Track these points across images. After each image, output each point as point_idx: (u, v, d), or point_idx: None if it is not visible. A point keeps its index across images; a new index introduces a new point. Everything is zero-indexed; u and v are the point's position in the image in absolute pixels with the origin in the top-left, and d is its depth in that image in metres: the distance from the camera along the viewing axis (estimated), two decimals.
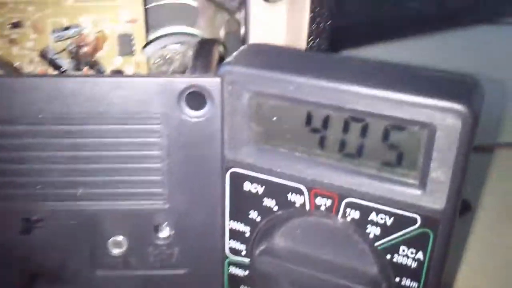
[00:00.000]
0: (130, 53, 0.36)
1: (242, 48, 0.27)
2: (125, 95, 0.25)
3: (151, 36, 0.38)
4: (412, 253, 0.24)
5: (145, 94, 0.25)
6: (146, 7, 0.36)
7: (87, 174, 0.26)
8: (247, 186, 0.26)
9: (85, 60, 0.36)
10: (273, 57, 0.25)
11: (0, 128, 0.25)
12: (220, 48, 0.35)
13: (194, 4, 0.38)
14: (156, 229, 0.28)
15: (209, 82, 0.25)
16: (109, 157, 0.26)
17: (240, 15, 0.39)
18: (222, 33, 0.39)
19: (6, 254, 0.27)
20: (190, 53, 0.38)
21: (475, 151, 0.23)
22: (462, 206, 0.46)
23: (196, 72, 0.27)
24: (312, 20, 0.32)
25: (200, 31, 0.38)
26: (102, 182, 0.26)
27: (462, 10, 0.86)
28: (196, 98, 0.25)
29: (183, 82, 0.24)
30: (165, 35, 0.38)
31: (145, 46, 0.37)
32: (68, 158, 0.25)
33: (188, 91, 0.25)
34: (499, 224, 0.45)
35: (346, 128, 0.23)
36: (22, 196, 0.26)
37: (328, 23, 0.33)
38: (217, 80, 0.24)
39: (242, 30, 0.39)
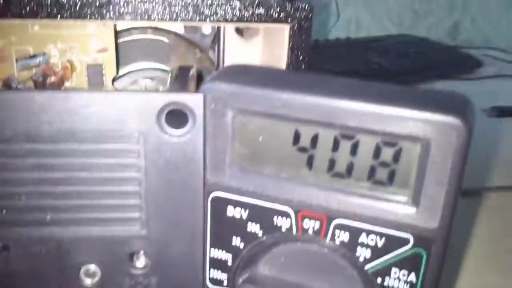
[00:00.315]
0: (100, 84, 0.35)
1: (223, 67, 0.26)
2: (100, 112, 0.23)
3: (122, 71, 0.37)
4: (404, 275, 0.23)
5: (122, 110, 0.23)
6: (118, 41, 0.36)
7: (57, 198, 0.24)
8: (230, 210, 0.25)
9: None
10: (256, 75, 0.25)
11: None
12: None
13: (166, 40, 0.38)
14: (132, 257, 0.26)
15: (191, 99, 0.24)
16: (81, 179, 0.24)
17: (212, 53, 0.39)
18: (193, 69, 0.39)
19: None
20: (161, 88, 0.37)
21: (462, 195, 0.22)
22: None
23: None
24: (291, 52, 0.32)
25: (171, 68, 0.38)
26: (74, 206, 0.24)
27: (422, 67, 0.92)
28: (177, 116, 0.24)
29: (163, 98, 0.23)
30: (136, 70, 0.38)
31: (114, 80, 0.36)
32: (37, 180, 0.24)
33: (169, 109, 0.24)
34: (486, 269, 0.46)
35: (335, 146, 0.23)
36: None
37: (307, 55, 0.33)
38: (200, 96, 0.24)
39: (215, 67, 0.39)
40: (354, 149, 0.23)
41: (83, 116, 0.23)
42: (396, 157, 0.22)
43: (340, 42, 0.96)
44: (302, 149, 0.24)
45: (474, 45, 1.11)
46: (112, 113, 0.23)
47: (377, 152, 0.22)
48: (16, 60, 0.33)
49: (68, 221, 0.25)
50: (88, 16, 0.29)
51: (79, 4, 0.29)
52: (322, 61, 0.85)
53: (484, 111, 0.80)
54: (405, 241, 0.23)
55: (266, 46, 0.36)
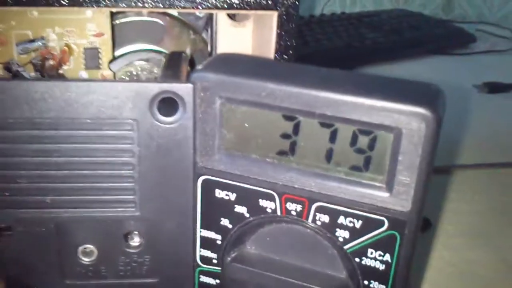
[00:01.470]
0: (97, 67, 0.36)
1: (212, 57, 0.28)
2: (97, 100, 0.25)
3: (118, 52, 0.38)
4: (380, 255, 0.25)
5: (117, 99, 0.25)
6: (114, 23, 0.37)
7: (56, 181, 0.26)
8: (219, 193, 0.27)
9: (50, 74, 0.35)
10: (243, 65, 0.26)
11: None
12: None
13: (161, 22, 0.38)
14: (127, 237, 0.27)
15: (181, 88, 0.25)
16: (79, 163, 0.25)
17: (206, 34, 0.40)
18: (188, 51, 0.40)
19: None
20: (156, 70, 0.38)
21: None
22: (423, 223, 0.47)
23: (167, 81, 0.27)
24: (279, 37, 0.33)
25: (166, 49, 0.39)
26: (72, 189, 0.26)
27: (415, 42, 0.92)
28: (168, 104, 0.25)
29: (155, 87, 0.25)
30: (132, 52, 0.38)
31: (111, 61, 0.37)
32: (37, 164, 0.25)
33: (161, 97, 0.25)
34: (457, 240, 0.47)
35: (316, 133, 0.24)
36: None
37: (294, 40, 0.34)
38: (189, 86, 0.25)
39: (209, 48, 0.40)
40: (333, 137, 0.24)
41: (81, 104, 0.25)
42: (371, 145, 0.23)
43: (335, 17, 0.95)
44: (286, 136, 0.25)
45: (467, 20, 1.11)
46: (108, 101, 0.25)
47: (354, 140, 0.24)
48: (16, 44, 0.34)
49: (67, 203, 0.26)
50: (85, 4, 0.30)
51: None
52: (317, 36, 0.85)
53: (475, 87, 0.80)
54: (381, 224, 0.24)
55: (256, 29, 0.37)
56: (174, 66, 0.29)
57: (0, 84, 0.24)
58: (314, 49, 0.81)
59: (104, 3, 0.30)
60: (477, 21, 1.11)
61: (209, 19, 0.39)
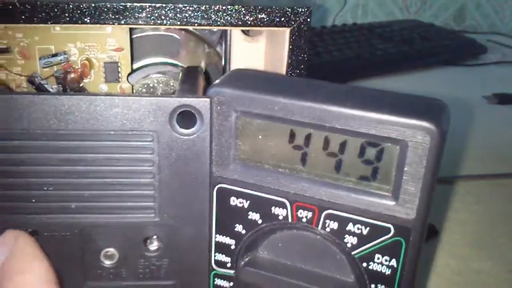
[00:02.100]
0: (116, 80, 0.38)
1: (228, 72, 0.29)
2: (120, 113, 0.26)
3: (135, 65, 0.39)
4: (386, 260, 0.26)
5: (138, 112, 0.26)
6: (132, 37, 0.38)
7: (81, 188, 0.27)
8: (234, 201, 0.28)
9: (71, 86, 0.37)
10: (257, 80, 0.28)
11: None
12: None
13: (177, 36, 0.40)
14: (146, 241, 0.29)
15: (199, 102, 0.26)
16: (102, 172, 0.27)
17: (220, 48, 0.42)
18: (203, 65, 0.41)
19: None
20: (172, 82, 0.40)
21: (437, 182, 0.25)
22: (430, 231, 0.49)
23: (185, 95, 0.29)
24: (291, 52, 0.35)
25: (181, 62, 0.40)
26: (96, 196, 0.27)
27: (426, 53, 0.93)
28: (186, 117, 0.27)
29: (175, 102, 0.26)
30: (149, 65, 0.40)
31: (129, 74, 0.39)
32: (64, 173, 0.27)
33: (179, 111, 0.26)
34: (463, 250, 0.48)
35: (326, 145, 0.26)
36: (18, 208, 0.27)
37: (306, 55, 0.35)
38: (207, 100, 0.26)
39: (222, 62, 0.41)
40: (342, 148, 0.25)
41: (105, 117, 0.26)
42: (379, 156, 0.25)
43: (346, 28, 0.97)
44: (297, 147, 0.26)
45: (479, 31, 1.11)
46: (130, 114, 0.26)
47: (362, 151, 0.25)
48: (40, 58, 0.36)
49: (90, 209, 0.27)
50: (106, 21, 0.32)
51: (98, 11, 0.31)
52: (328, 47, 0.87)
53: (485, 97, 0.81)
54: (387, 230, 0.25)
55: (269, 44, 0.39)
56: (191, 80, 0.31)
57: (31, 98, 0.26)
58: (325, 59, 0.82)
59: (124, 21, 0.32)
60: (489, 32, 1.12)
61: (223, 34, 0.40)
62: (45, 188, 0.27)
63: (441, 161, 0.24)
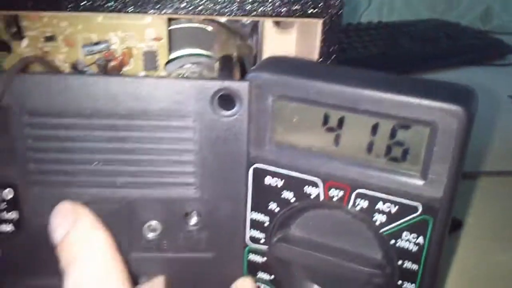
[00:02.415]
0: (154, 68, 0.40)
1: (265, 59, 0.31)
2: (165, 95, 0.28)
3: (171, 56, 0.41)
4: (413, 238, 0.27)
5: (182, 94, 0.28)
6: (169, 29, 0.40)
7: (127, 164, 0.29)
8: (268, 180, 0.29)
9: (112, 74, 0.39)
10: (293, 66, 0.29)
11: (53, 120, 0.28)
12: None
13: (210, 28, 0.42)
14: (187, 216, 0.31)
15: (239, 86, 0.28)
16: (147, 150, 0.29)
17: (251, 41, 0.43)
18: (234, 56, 0.43)
19: None
20: (205, 73, 0.42)
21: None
22: (455, 223, 0.50)
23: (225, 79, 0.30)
24: (323, 43, 0.36)
25: (214, 54, 0.42)
26: (141, 172, 0.29)
27: (452, 53, 0.92)
28: (226, 100, 0.28)
29: (216, 84, 0.28)
30: (184, 56, 0.42)
31: (166, 63, 0.40)
32: (112, 150, 0.28)
33: (220, 93, 0.28)
34: (484, 243, 0.49)
35: (358, 127, 0.27)
36: (70, 183, 0.29)
37: (337, 46, 0.36)
38: (246, 84, 0.28)
39: (254, 54, 0.43)
40: (374, 130, 0.27)
41: (151, 98, 0.28)
42: (409, 138, 0.26)
43: (372, 26, 0.97)
44: (330, 129, 0.28)
45: (505, 31, 1.11)
46: (175, 96, 0.28)
47: (393, 133, 0.26)
48: (82, 46, 0.38)
49: (135, 184, 0.29)
50: (147, 11, 0.33)
51: (140, 1, 0.33)
52: (354, 44, 0.87)
53: (511, 97, 0.81)
54: (415, 209, 0.27)
55: (300, 36, 0.40)
56: (228, 67, 0.33)
57: (84, 79, 0.27)
58: (351, 56, 0.83)
59: (164, 11, 0.34)
60: None
61: (255, 26, 0.42)
62: (94, 164, 0.29)
63: (469, 143, 0.25)
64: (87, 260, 0.26)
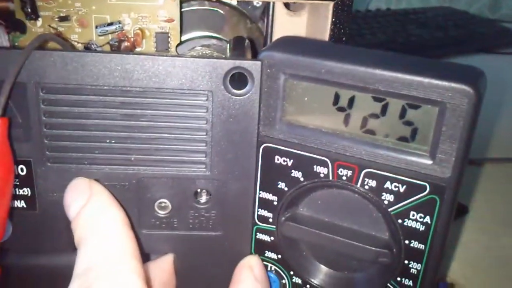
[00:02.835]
0: (166, 49, 0.40)
1: (277, 38, 0.31)
2: (179, 73, 0.28)
3: (182, 38, 0.41)
4: (421, 217, 0.28)
5: (196, 72, 0.28)
6: (180, 11, 0.40)
7: (140, 142, 0.29)
8: (278, 159, 0.30)
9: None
10: (305, 45, 0.29)
11: (67, 97, 0.28)
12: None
13: (221, 11, 0.42)
14: (197, 194, 0.31)
15: (251, 65, 0.28)
16: (160, 127, 0.29)
17: (261, 24, 0.43)
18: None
19: None
20: (215, 55, 0.42)
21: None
22: (460, 209, 0.50)
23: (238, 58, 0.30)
24: (334, 25, 0.36)
25: (225, 36, 0.42)
26: (153, 150, 0.29)
27: (460, 41, 0.92)
28: (239, 78, 0.29)
29: (229, 63, 0.28)
30: (196, 38, 0.42)
31: (178, 45, 0.41)
32: (125, 127, 0.29)
33: (233, 72, 0.28)
34: (493, 227, 0.50)
35: (368, 106, 0.27)
36: (83, 159, 0.29)
37: (347, 29, 0.37)
38: (258, 63, 0.28)
39: (264, 37, 0.43)
40: (384, 110, 0.27)
41: (165, 76, 0.28)
42: (418, 118, 0.26)
43: (380, 13, 0.97)
44: (341, 109, 0.28)
45: None
46: (188, 74, 0.28)
47: (402, 113, 0.27)
48: (96, 27, 0.38)
49: (147, 162, 0.30)
50: None
51: None
52: (362, 31, 0.88)
53: None
54: (423, 188, 0.27)
55: (311, 19, 0.40)
56: (241, 47, 0.33)
57: (100, 56, 0.28)
58: (359, 43, 0.83)
59: None
60: None
61: (266, 9, 0.42)
62: (108, 141, 0.29)
63: (477, 124, 0.26)
64: (102, 235, 0.27)
